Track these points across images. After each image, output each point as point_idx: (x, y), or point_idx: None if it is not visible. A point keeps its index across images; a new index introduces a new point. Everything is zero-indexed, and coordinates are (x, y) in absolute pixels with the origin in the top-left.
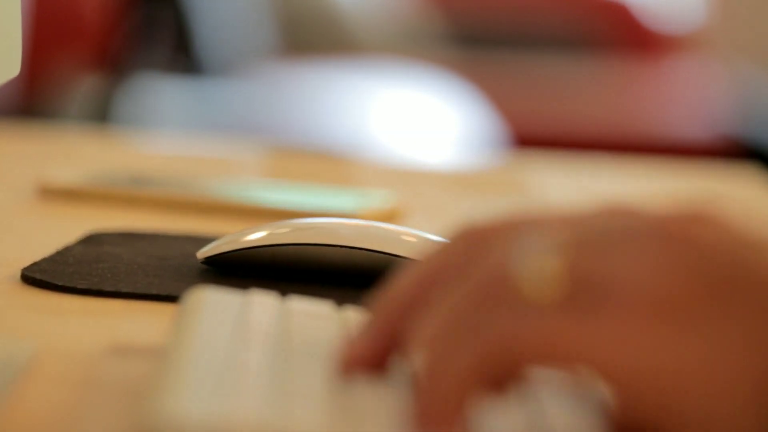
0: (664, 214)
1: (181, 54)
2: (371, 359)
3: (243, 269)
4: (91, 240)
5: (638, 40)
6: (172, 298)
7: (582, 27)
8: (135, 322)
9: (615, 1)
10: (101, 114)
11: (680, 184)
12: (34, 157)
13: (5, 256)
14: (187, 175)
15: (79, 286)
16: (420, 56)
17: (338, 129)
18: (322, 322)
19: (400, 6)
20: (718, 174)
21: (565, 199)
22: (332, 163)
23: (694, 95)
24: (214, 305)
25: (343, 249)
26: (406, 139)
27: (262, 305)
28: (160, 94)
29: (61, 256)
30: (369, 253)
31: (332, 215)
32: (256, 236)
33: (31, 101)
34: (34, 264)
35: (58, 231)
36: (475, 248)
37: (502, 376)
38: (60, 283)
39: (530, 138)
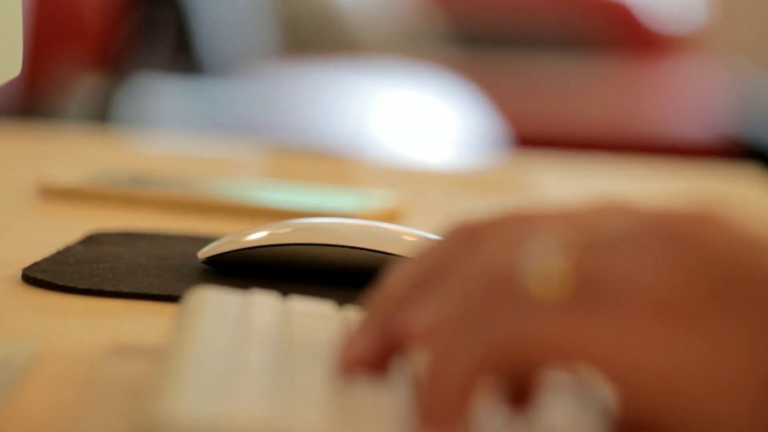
0: (667, 214)
1: (182, 54)
2: (370, 358)
3: (244, 269)
4: (92, 240)
5: (639, 41)
6: (172, 298)
7: (583, 27)
8: (136, 322)
9: (616, 1)
10: (102, 114)
11: (680, 184)
12: (35, 157)
13: (6, 256)
14: (187, 175)
15: (79, 286)
16: (421, 56)
17: (339, 129)
18: (322, 322)
19: (401, 6)
20: (719, 174)
21: (565, 198)
22: (333, 163)
23: (695, 95)
24: (215, 305)
25: (344, 249)
26: (407, 139)
27: (262, 305)
28: (160, 93)
29: (62, 256)
30: (370, 253)
31: (333, 215)
32: (257, 236)
33: (32, 101)
34: (35, 264)
35: (59, 231)
36: (469, 243)
37: (505, 375)
38: (61, 283)
39: (531, 138)
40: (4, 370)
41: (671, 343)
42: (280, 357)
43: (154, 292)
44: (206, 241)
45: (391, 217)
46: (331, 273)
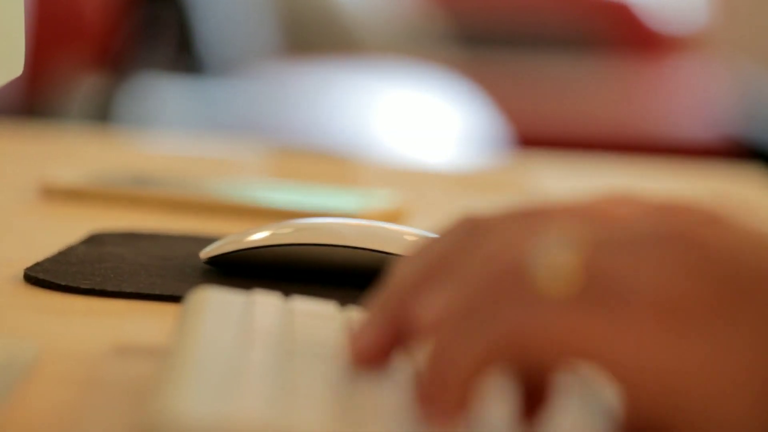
0: (673, 212)
1: (183, 53)
2: (379, 348)
3: (246, 269)
4: (94, 240)
5: (640, 40)
6: (175, 299)
7: (584, 27)
8: (138, 322)
9: (617, 1)
10: (103, 113)
11: (682, 184)
12: (36, 157)
13: (8, 256)
14: (189, 175)
15: (82, 286)
16: (422, 56)
17: (341, 129)
18: (325, 323)
19: (403, 6)
20: (720, 174)
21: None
22: (335, 163)
23: (697, 95)
24: (217, 305)
25: (346, 249)
26: (409, 138)
27: (265, 305)
28: (161, 93)
29: (64, 256)
30: (372, 253)
31: (335, 215)
32: (259, 236)
33: (33, 101)
34: (37, 264)
35: (61, 231)
36: (478, 235)
37: (509, 369)
38: (63, 283)
39: (533, 138)
40: (6, 370)
41: (676, 344)
42: (282, 357)
43: (156, 292)
44: (208, 241)
45: (393, 217)
46: (333, 273)
